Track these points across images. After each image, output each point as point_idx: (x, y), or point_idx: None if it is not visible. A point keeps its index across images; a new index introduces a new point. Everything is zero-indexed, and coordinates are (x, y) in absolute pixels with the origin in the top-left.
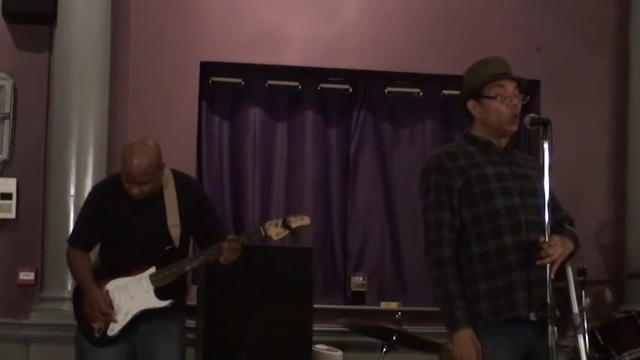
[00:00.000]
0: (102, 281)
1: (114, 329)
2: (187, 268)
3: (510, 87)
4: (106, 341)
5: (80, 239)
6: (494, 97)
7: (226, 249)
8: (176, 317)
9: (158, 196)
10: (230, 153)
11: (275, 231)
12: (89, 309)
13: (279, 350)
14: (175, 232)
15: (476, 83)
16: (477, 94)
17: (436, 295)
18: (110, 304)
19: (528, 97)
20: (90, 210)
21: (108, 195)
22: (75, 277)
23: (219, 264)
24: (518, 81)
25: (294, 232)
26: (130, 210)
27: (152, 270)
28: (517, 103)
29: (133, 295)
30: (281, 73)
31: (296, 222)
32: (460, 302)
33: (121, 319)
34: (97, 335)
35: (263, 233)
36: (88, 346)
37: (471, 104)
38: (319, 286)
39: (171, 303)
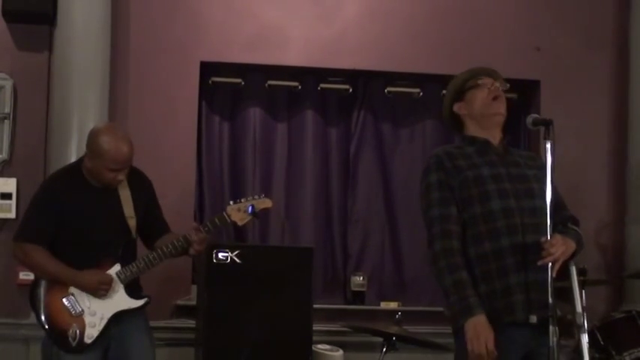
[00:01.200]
0: (63, 284)
1: (92, 335)
2: (155, 262)
3: (489, 80)
4: (82, 349)
5: (38, 234)
6: (475, 87)
7: (195, 240)
8: (141, 313)
9: (110, 190)
10: (230, 153)
11: (239, 216)
12: (58, 314)
13: (279, 350)
14: (132, 224)
15: (456, 85)
16: (460, 93)
17: (444, 285)
18: (105, 280)
19: (507, 86)
20: (45, 203)
21: (64, 187)
22: (46, 272)
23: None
24: (492, 74)
25: (257, 216)
26: (88, 201)
27: (117, 267)
28: (498, 86)
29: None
30: (281, 73)
31: (258, 205)
32: (472, 290)
33: (98, 324)
34: (73, 343)
35: (228, 220)
36: (63, 354)
37: (456, 106)
38: (319, 286)
39: (146, 302)
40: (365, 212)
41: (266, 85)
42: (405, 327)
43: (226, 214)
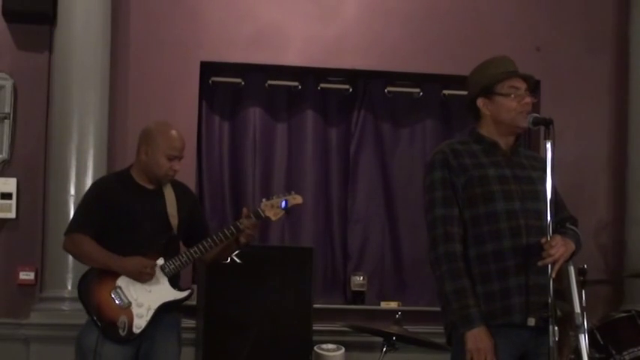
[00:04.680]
0: (110, 276)
1: (140, 325)
2: (196, 255)
3: (522, 85)
4: (131, 338)
5: (87, 225)
6: (507, 95)
7: (247, 226)
8: (175, 316)
9: (158, 190)
10: (230, 153)
11: (272, 212)
12: (107, 307)
13: (279, 350)
14: (174, 222)
15: (487, 81)
16: (489, 92)
17: (445, 290)
18: (148, 264)
19: (537, 98)
20: (94, 198)
21: (112, 185)
22: (93, 259)
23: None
24: (528, 79)
25: (288, 212)
26: (134, 198)
27: (161, 261)
28: (529, 101)
29: (149, 288)
30: (281, 73)
31: (291, 201)
32: (473, 299)
33: (145, 314)
34: (122, 334)
35: (263, 215)
36: (107, 345)
37: (481, 102)
38: (319, 286)
39: (190, 293)
40: (365, 212)
41: (266, 85)
42: (405, 327)
43: (260, 209)
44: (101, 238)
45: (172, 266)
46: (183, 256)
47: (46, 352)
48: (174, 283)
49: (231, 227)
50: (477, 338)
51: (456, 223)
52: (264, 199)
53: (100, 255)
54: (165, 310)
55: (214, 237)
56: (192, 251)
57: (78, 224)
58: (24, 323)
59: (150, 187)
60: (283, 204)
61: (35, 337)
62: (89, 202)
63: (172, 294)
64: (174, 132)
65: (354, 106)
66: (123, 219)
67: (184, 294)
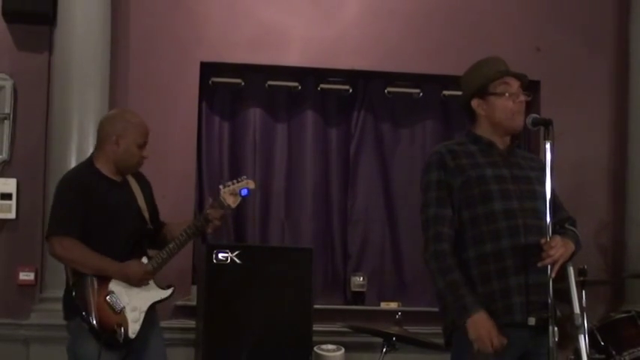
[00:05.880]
0: (102, 281)
1: (136, 330)
2: (176, 249)
3: (515, 84)
4: (127, 344)
5: (73, 226)
6: (501, 94)
7: (216, 217)
8: (155, 314)
9: (125, 183)
10: (230, 153)
11: (232, 199)
12: (104, 313)
13: (279, 350)
14: (146, 215)
15: (480, 81)
16: (483, 92)
17: (438, 287)
18: (150, 270)
19: (531, 96)
20: (73, 195)
21: (87, 180)
22: (88, 266)
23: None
24: (521, 78)
25: (244, 198)
26: (110, 193)
27: (144, 260)
28: (523, 99)
29: (138, 290)
30: (281, 73)
31: (249, 188)
32: (466, 288)
33: (138, 318)
34: (120, 340)
35: (225, 203)
36: (108, 352)
37: (475, 103)
38: (319, 286)
39: (173, 291)
40: (365, 212)
41: (266, 85)
42: (405, 327)
43: (222, 198)
44: (84, 236)
45: (155, 265)
46: (163, 253)
47: (45, 353)
48: (156, 281)
49: (201, 219)
50: (477, 324)
51: (447, 223)
52: (221, 187)
53: (96, 261)
54: (151, 309)
55: (187, 231)
56: (170, 247)
57: (63, 225)
58: (24, 324)
59: (117, 179)
60: (244, 192)
61: (35, 338)
62: (68, 200)
63: (159, 294)
64: (139, 118)
65: (354, 106)
66: (102, 216)
67: (169, 292)
